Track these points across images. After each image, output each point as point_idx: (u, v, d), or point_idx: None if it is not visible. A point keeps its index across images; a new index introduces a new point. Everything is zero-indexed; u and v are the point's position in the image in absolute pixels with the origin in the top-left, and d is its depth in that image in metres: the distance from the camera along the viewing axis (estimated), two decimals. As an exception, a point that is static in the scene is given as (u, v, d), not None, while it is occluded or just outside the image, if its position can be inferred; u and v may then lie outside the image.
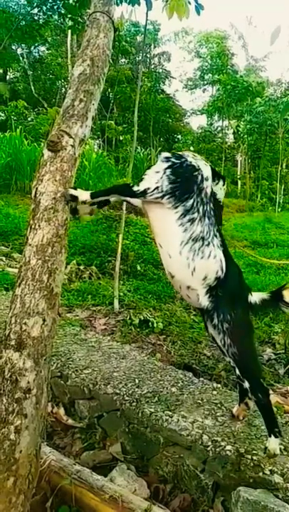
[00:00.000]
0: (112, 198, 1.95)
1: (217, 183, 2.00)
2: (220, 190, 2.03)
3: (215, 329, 1.92)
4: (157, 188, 1.80)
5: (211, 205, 1.90)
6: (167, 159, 1.87)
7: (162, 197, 1.81)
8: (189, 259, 1.82)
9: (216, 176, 1.99)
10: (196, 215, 1.83)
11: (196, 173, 1.87)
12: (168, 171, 1.83)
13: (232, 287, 1.92)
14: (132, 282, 5.40)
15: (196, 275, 1.85)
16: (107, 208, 8.37)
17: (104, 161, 14.86)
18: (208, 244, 1.84)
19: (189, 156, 1.92)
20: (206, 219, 1.86)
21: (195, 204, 1.83)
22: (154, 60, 25.26)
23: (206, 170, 1.91)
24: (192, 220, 1.82)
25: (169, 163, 1.85)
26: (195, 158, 1.92)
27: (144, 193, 1.82)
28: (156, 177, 1.82)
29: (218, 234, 1.90)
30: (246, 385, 1.91)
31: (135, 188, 1.83)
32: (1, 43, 10.01)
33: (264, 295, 1.99)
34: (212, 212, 1.89)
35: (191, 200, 1.83)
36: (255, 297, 1.97)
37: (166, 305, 4.57)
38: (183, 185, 1.83)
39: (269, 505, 1.69)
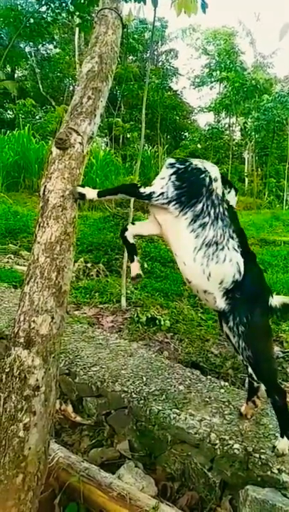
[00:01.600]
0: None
1: (229, 192, 1.95)
2: (233, 199, 1.97)
3: (230, 331, 1.89)
4: (162, 194, 1.78)
5: (224, 205, 1.85)
6: (172, 165, 1.84)
7: (168, 203, 1.78)
8: (204, 265, 1.79)
9: (228, 184, 1.95)
10: (207, 219, 1.79)
11: (203, 175, 1.83)
12: (173, 177, 1.80)
13: (251, 289, 1.87)
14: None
15: (212, 280, 1.81)
16: (114, 205, 8.40)
17: (112, 158, 14.91)
18: (222, 249, 1.79)
19: (195, 160, 1.90)
20: (219, 221, 1.81)
21: (205, 208, 1.79)
22: (162, 58, 25.17)
23: (214, 171, 1.87)
24: (203, 225, 1.78)
25: (174, 169, 1.82)
26: (201, 162, 1.89)
27: (149, 197, 1.80)
28: (161, 183, 1.81)
29: (234, 235, 1.84)
30: (261, 386, 1.89)
31: (142, 190, 1.81)
32: (10, 41, 10.05)
33: (285, 299, 1.94)
34: (225, 213, 1.84)
35: (200, 204, 1.79)
36: (275, 301, 1.92)
37: (173, 303, 4.56)
38: (189, 189, 1.79)
39: (277, 504, 1.68)
